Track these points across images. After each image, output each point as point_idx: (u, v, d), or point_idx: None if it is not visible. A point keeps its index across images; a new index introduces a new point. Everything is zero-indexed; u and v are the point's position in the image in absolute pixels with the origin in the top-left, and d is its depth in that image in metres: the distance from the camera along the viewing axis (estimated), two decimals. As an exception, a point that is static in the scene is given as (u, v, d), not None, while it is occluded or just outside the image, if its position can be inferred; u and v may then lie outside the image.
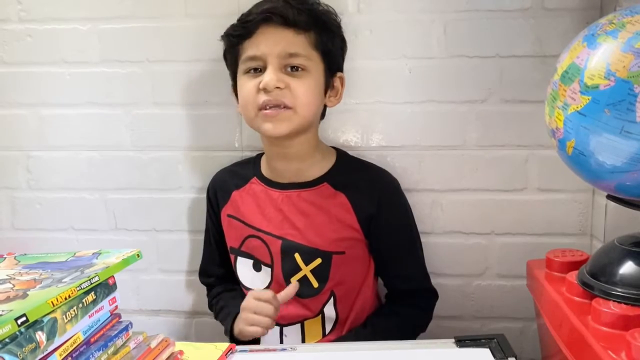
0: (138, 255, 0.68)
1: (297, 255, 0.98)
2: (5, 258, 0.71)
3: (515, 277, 1.10)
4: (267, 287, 1.00)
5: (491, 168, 1.09)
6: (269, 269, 1.00)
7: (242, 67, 0.97)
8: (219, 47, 1.09)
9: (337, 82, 1.00)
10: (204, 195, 1.14)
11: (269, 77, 0.91)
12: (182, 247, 1.18)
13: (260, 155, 1.07)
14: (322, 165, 1.01)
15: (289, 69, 0.94)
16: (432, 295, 1.04)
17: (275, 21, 0.93)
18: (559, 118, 0.65)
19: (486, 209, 1.10)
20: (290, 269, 0.98)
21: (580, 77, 0.62)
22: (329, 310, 0.99)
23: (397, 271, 1.03)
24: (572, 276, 0.72)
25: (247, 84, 0.95)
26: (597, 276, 0.68)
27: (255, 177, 1.04)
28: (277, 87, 0.92)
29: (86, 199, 1.18)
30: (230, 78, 1.02)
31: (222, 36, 1.00)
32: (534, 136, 1.06)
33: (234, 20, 1.02)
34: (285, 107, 0.93)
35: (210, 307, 1.10)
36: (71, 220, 1.19)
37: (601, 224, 1.03)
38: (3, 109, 1.17)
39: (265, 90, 0.92)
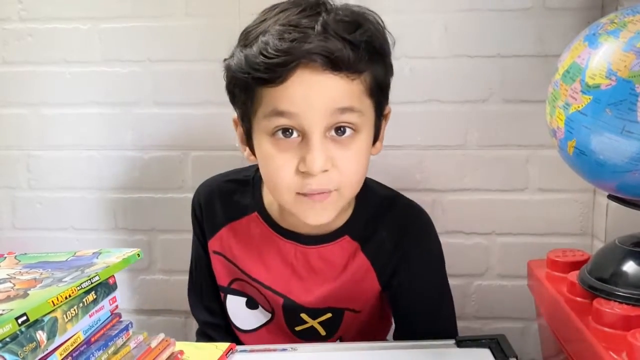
0: (138, 255, 0.68)
1: (303, 315, 0.83)
2: (5, 257, 0.70)
3: (516, 277, 1.10)
4: (265, 325, 0.87)
5: (492, 168, 1.09)
6: (269, 314, 0.86)
7: (264, 124, 0.70)
8: (220, 46, 1.08)
9: (383, 123, 0.79)
10: (205, 195, 1.14)
11: (315, 157, 0.68)
12: (183, 246, 1.17)
13: (260, 177, 0.82)
14: (345, 213, 0.82)
15: (332, 133, 0.70)
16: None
17: (320, 64, 0.66)
18: (560, 118, 0.65)
19: (487, 208, 1.10)
20: (295, 322, 0.85)
21: (582, 77, 0.62)
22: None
23: (424, 328, 0.83)
24: (573, 276, 0.72)
25: (277, 159, 0.70)
26: (598, 276, 0.68)
27: (256, 213, 0.82)
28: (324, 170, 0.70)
29: (86, 198, 1.18)
30: (236, 111, 0.78)
31: (227, 64, 0.74)
32: (535, 136, 1.06)
33: (234, 21, 1.02)
34: (330, 191, 0.72)
35: None
36: (71, 219, 1.19)
37: (602, 223, 1.03)
38: (4, 108, 1.17)
39: (307, 173, 0.70)
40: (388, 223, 0.82)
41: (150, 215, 1.18)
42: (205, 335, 0.90)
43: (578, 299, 0.70)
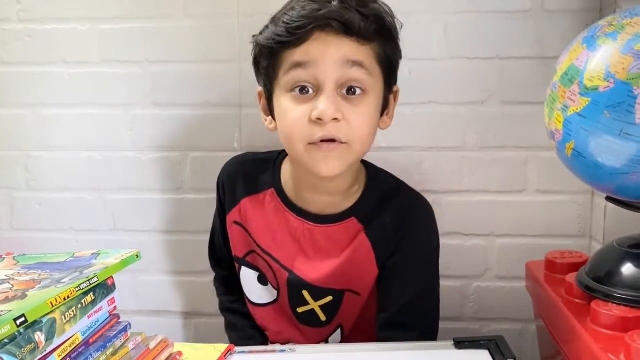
0: (137, 256, 0.68)
1: (305, 292, 0.88)
2: (4, 258, 0.70)
3: (514, 278, 1.10)
4: (273, 302, 0.93)
5: (491, 169, 1.09)
6: (276, 292, 0.92)
7: (285, 81, 0.79)
8: (219, 47, 1.09)
9: (391, 99, 0.87)
10: (203, 196, 1.15)
11: (326, 105, 0.75)
12: (181, 247, 1.18)
13: (281, 159, 0.92)
14: (354, 196, 0.88)
15: (344, 92, 0.78)
16: (433, 337, 0.89)
17: (335, 28, 0.75)
18: (558, 120, 0.65)
19: (486, 210, 1.10)
20: (298, 301, 0.90)
21: (580, 79, 0.62)
22: (335, 338, 0.93)
23: (404, 318, 0.86)
24: (572, 278, 0.72)
25: (293, 110, 0.78)
26: (596, 278, 0.68)
27: (272, 190, 0.90)
28: (334, 119, 0.77)
29: (85, 199, 1.18)
30: (260, 85, 0.88)
31: (254, 37, 0.84)
32: (533, 138, 1.06)
33: (233, 22, 1.02)
34: (339, 141, 0.78)
35: (224, 310, 1.01)
36: (70, 220, 1.19)
37: (600, 225, 1.03)
38: (2, 109, 1.17)
39: (319, 120, 0.77)
40: (392, 208, 0.87)
41: (149, 216, 1.18)
42: (226, 286, 1.00)
43: (576, 300, 0.70)
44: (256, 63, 0.85)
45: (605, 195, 0.70)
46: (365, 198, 0.88)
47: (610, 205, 0.70)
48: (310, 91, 0.78)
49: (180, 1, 1.10)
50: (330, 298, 0.88)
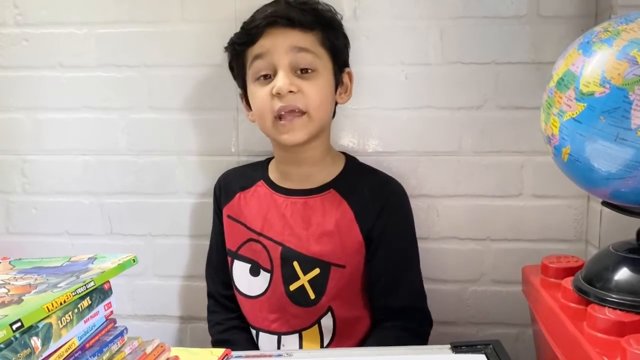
0: (134, 260, 0.68)
1: (295, 264, 0.96)
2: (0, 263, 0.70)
3: (510, 282, 1.10)
4: (264, 293, 0.99)
5: (487, 174, 1.09)
6: (268, 275, 0.99)
7: (251, 73, 0.96)
8: (216, 51, 1.09)
9: (345, 78, 1.01)
10: (200, 200, 1.15)
11: (282, 81, 0.91)
12: (178, 252, 1.18)
13: (269, 160, 1.07)
14: (330, 171, 1.01)
15: (299, 72, 0.93)
16: (425, 319, 1.00)
17: (281, 23, 0.92)
18: (554, 125, 0.65)
19: (482, 214, 1.10)
20: (290, 277, 0.97)
21: (576, 85, 0.62)
22: (327, 322, 0.97)
23: (390, 284, 0.97)
24: (568, 282, 0.73)
25: (259, 92, 0.94)
26: (592, 282, 0.69)
27: (261, 181, 1.03)
28: (290, 91, 0.91)
29: (82, 203, 1.18)
30: (238, 87, 1.03)
31: (225, 47, 1.00)
32: (529, 142, 1.07)
33: (231, 25, 1.03)
34: (300, 111, 0.92)
35: (215, 334, 1.05)
36: (66, 224, 1.19)
37: (596, 230, 1.03)
38: (-1, 112, 1.17)
39: (278, 95, 0.91)
40: (372, 184, 1.00)
41: (145, 220, 1.17)
42: (221, 304, 1.06)
43: (572, 304, 0.70)
44: (231, 67, 1.02)
45: (601, 200, 0.71)
46: (344, 175, 1.01)
47: (606, 209, 0.71)
48: (271, 76, 0.94)
49: (177, 5, 1.11)
50: (317, 271, 0.96)
